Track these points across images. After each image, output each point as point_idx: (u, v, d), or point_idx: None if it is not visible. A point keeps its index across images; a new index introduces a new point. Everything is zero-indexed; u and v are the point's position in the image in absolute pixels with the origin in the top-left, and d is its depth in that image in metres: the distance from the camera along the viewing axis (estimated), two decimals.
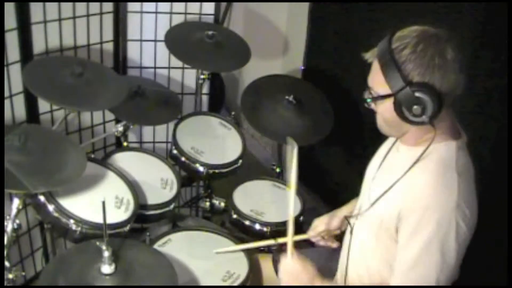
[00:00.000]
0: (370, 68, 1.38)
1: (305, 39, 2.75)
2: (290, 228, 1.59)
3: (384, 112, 1.38)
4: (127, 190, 1.84)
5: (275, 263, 1.82)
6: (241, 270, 1.71)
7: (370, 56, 1.38)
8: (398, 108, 1.32)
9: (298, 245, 2.11)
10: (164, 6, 2.50)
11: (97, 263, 1.42)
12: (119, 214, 1.74)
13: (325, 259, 1.80)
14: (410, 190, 1.35)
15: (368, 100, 1.39)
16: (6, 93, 2.08)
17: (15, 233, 1.67)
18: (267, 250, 2.04)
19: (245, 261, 1.75)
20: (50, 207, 1.64)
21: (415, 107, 1.29)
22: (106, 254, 1.39)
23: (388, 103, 1.34)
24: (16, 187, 1.52)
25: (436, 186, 1.31)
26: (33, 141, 1.63)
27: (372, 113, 1.44)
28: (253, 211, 2.02)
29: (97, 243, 1.44)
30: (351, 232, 1.58)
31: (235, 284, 1.66)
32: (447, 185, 1.31)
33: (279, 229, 1.99)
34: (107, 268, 1.41)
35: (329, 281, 1.57)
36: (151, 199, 1.92)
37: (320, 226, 1.80)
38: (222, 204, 2.29)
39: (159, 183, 2.01)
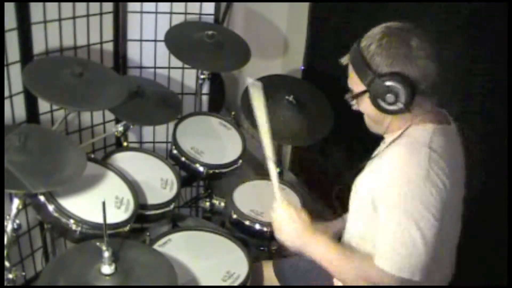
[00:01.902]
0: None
1: (305, 39, 2.75)
2: (273, 173, 1.66)
3: (366, 108, 1.46)
4: (127, 190, 1.84)
5: (276, 269, 1.83)
6: (241, 270, 1.71)
7: (346, 60, 1.48)
8: (374, 100, 1.40)
9: None
10: (164, 6, 2.50)
11: (97, 263, 1.42)
12: (119, 214, 1.74)
13: None
14: (381, 169, 1.39)
15: (350, 100, 1.48)
16: (6, 93, 2.08)
17: (15, 233, 1.67)
18: (268, 256, 2.04)
19: (245, 261, 1.75)
20: (50, 207, 1.64)
21: (388, 95, 1.35)
22: (106, 254, 1.39)
23: (367, 99, 1.42)
24: (16, 187, 1.52)
25: (404, 161, 1.35)
26: (33, 141, 1.62)
27: (361, 115, 1.50)
28: (253, 211, 2.02)
29: (97, 243, 1.44)
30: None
31: (235, 284, 1.66)
32: (414, 157, 1.34)
33: None
34: (107, 269, 1.41)
35: (321, 235, 1.54)
36: (151, 199, 1.92)
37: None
38: (222, 204, 2.28)
39: (159, 183, 2.01)
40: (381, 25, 1.41)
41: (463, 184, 1.49)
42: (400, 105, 1.36)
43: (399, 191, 1.32)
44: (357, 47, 1.41)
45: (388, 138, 1.50)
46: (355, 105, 1.50)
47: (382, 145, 1.55)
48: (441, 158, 1.34)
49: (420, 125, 1.41)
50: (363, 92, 1.42)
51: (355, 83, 1.44)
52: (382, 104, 1.39)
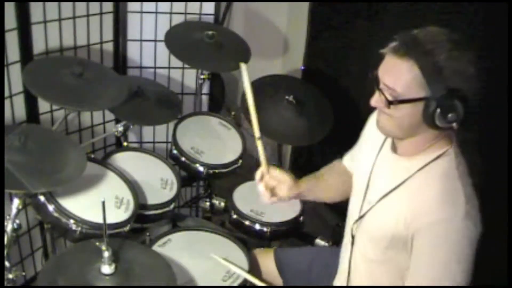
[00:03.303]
0: (381, 65, 1.32)
1: (305, 39, 2.75)
2: (261, 149, 1.62)
3: (404, 115, 1.31)
4: (127, 190, 1.84)
5: (277, 258, 1.83)
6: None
7: (393, 53, 1.29)
8: (430, 113, 1.26)
9: (295, 244, 2.13)
10: (164, 6, 2.50)
11: (97, 263, 1.42)
12: (119, 214, 1.74)
13: (324, 258, 1.80)
14: (418, 205, 1.33)
15: (393, 103, 1.29)
16: (6, 93, 2.08)
17: (15, 233, 1.67)
18: (267, 246, 2.04)
19: (245, 261, 1.75)
20: (50, 207, 1.64)
21: (451, 114, 1.25)
22: (106, 254, 1.39)
23: (412, 108, 1.28)
24: (16, 187, 1.52)
25: (444, 202, 1.30)
26: (33, 141, 1.63)
27: (370, 111, 1.39)
28: (253, 211, 2.02)
29: (97, 243, 1.44)
30: (352, 243, 1.56)
31: (235, 284, 1.66)
32: (453, 198, 1.30)
33: (279, 229, 1.99)
34: (107, 268, 1.41)
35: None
36: (151, 199, 1.92)
37: (285, 180, 1.64)
38: (222, 204, 2.28)
39: (159, 183, 2.01)
40: (437, 29, 1.29)
41: None
42: (454, 126, 1.28)
43: (439, 233, 1.29)
44: (422, 48, 1.24)
45: (397, 156, 1.43)
46: (382, 104, 1.32)
47: (385, 159, 1.48)
48: (467, 184, 1.33)
49: (442, 152, 1.36)
50: (419, 100, 1.26)
51: (405, 85, 1.27)
52: (439, 119, 1.26)
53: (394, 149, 1.46)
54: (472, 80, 1.26)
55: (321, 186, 1.76)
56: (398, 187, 1.39)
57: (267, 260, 1.83)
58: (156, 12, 2.50)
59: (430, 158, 1.36)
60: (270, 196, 1.60)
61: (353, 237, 1.55)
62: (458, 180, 1.33)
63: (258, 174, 1.63)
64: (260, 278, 1.71)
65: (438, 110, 1.25)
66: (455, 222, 1.28)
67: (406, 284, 1.37)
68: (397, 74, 1.28)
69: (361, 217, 1.51)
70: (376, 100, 1.35)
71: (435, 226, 1.29)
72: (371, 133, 1.54)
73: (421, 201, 1.33)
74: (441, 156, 1.36)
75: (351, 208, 1.59)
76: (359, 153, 1.66)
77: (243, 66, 1.59)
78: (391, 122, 1.35)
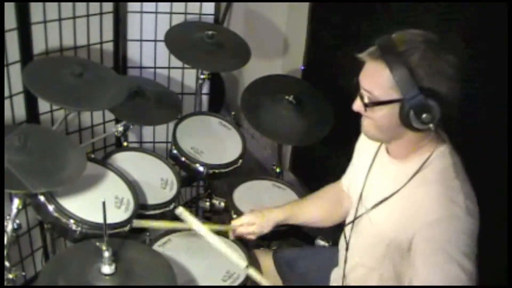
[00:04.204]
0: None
1: (305, 39, 2.75)
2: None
3: (382, 118, 1.32)
4: (127, 190, 1.83)
5: (276, 259, 1.83)
6: (241, 270, 1.71)
7: (369, 56, 1.32)
8: (404, 114, 1.27)
9: (295, 244, 2.13)
10: (164, 6, 2.50)
11: (97, 263, 1.42)
12: (119, 214, 1.73)
13: (324, 258, 1.80)
14: (417, 207, 1.32)
15: (364, 106, 1.33)
16: (6, 93, 2.08)
17: (15, 233, 1.67)
18: (267, 246, 2.04)
19: (245, 261, 1.75)
20: (50, 207, 1.64)
21: (425, 115, 1.25)
22: (106, 254, 1.39)
23: (389, 109, 1.29)
24: (16, 187, 1.52)
25: (443, 201, 1.30)
26: (33, 141, 1.63)
27: (358, 116, 1.39)
28: (253, 211, 2.02)
29: (97, 243, 1.44)
30: (346, 249, 1.57)
31: (235, 284, 1.66)
32: (452, 196, 1.30)
33: (279, 229, 1.99)
34: (107, 269, 1.41)
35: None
36: (151, 199, 1.92)
37: (252, 222, 1.77)
38: (222, 204, 2.28)
39: (159, 183, 2.01)
40: (416, 32, 1.29)
41: None
42: (431, 126, 1.27)
43: (441, 231, 1.28)
44: (395, 50, 1.25)
45: (391, 160, 1.44)
46: (362, 108, 1.35)
47: (380, 164, 1.49)
48: (463, 179, 1.33)
49: (436, 152, 1.35)
50: (394, 101, 1.28)
51: (381, 87, 1.29)
52: (414, 120, 1.26)
53: (382, 160, 1.48)
54: (450, 80, 1.26)
55: (306, 209, 1.80)
56: (394, 193, 1.38)
57: (266, 261, 1.83)
58: (156, 12, 2.51)
59: (424, 159, 1.35)
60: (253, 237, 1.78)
61: (347, 243, 1.55)
62: (456, 178, 1.32)
63: (230, 235, 1.79)
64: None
65: (412, 111, 1.26)
66: (456, 219, 1.28)
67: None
68: (373, 77, 1.31)
69: (355, 221, 1.52)
70: (356, 104, 1.38)
71: (435, 225, 1.28)
72: (364, 144, 1.57)
73: (420, 203, 1.32)
74: (436, 156, 1.36)
75: (348, 217, 1.61)
76: (352, 168, 1.70)
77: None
78: (372, 125, 1.37)
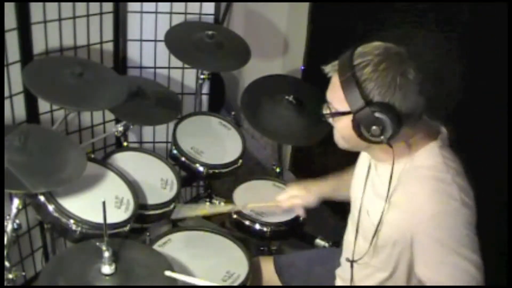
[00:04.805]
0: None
1: (305, 39, 2.75)
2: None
3: (342, 129, 1.35)
4: (127, 190, 1.84)
5: (277, 265, 1.83)
6: (241, 270, 1.71)
7: (330, 69, 1.37)
8: (356, 126, 1.29)
9: (295, 244, 2.13)
10: (164, 6, 2.50)
11: (97, 263, 1.42)
12: (119, 214, 1.74)
13: (324, 258, 1.80)
14: (414, 205, 1.32)
15: (326, 116, 1.37)
16: (6, 93, 2.08)
17: (15, 233, 1.67)
18: (267, 252, 2.04)
19: (245, 261, 1.75)
20: (50, 207, 1.64)
21: (374, 127, 1.26)
22: (106, 254, 1.39)
23: (347, 121, 1.31)
24: (16, 187, 1.52)
25: (436, 196, 1.29)
26: (33, 141, 1.63)
27: (330, 127, 1.42)
28: (253, 211, 2.02)
29: (97, 243, 1.44)
30: (352, 253, 1.55)
31: (235, 284, 1.66)
32: (446, 190, 1.29)
33: (279, 229, 1.99)
34: (107, 269, 1.41)
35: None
36: (151, 199, 1.92)
37: (294, 195, 1.83)
38: (222, 204, 2.28)
39: (159, 183, 2.01)
40: (378, 44, 1.30)
41: None
42: (383, 139, 1.27)
43: (440, 225, 1.27)
44: (349, 63, 1.28)
45: (380, 164, 1.44)
46: (329, 119, 1.39)
47: (374, 170, 1.48)
48: (457, 173, 1.32)
49: (423, 149, 1.35)
50: (346, 113, 1.30)
51: (338, 99, 1.32)
52: (365, 133, 1.29)
53: (375, 166, 1.48)
54: (408, 92, 1.25)
55: (345, 184, 1.74)
56: (391, 195, 1.37)
57: (266, 266, 1.84)
58: (156, 12, 2.50)
59: (412, 157, 1.35)
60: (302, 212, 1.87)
61: (353, 247, 1.55)
62: (447, 173, 1.31)
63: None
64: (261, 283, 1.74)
65: (361, 124, 1.28)
66: (453, 212, 1.27)
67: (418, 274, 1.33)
68: (332, 89, 1.36)
69: (359, 225, 1.52)
70: (323, 114, 1.42)
71: (432, 220, 1.28)
72: (361, 158, 1.59)
73: (415, 200, 1.32)
74: (424, 154, 1.35)
75: (350, 223, 1.60)
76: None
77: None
78: (338, 135, 1.41)
